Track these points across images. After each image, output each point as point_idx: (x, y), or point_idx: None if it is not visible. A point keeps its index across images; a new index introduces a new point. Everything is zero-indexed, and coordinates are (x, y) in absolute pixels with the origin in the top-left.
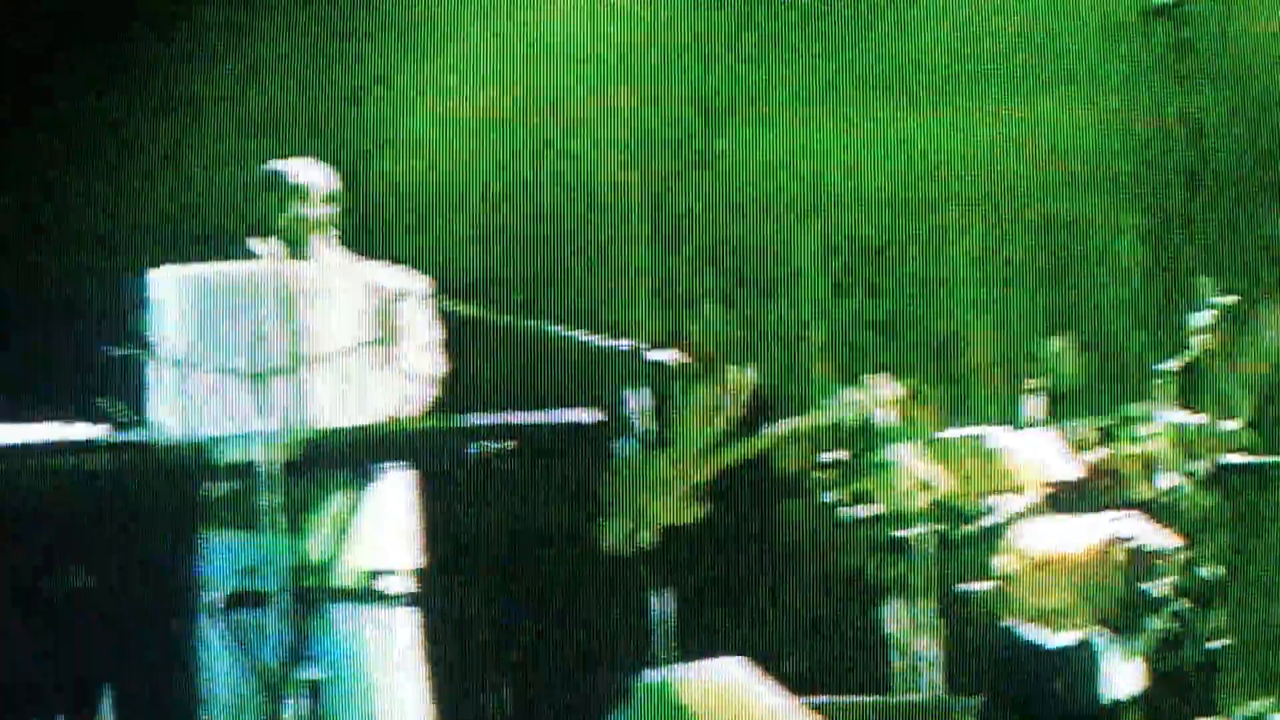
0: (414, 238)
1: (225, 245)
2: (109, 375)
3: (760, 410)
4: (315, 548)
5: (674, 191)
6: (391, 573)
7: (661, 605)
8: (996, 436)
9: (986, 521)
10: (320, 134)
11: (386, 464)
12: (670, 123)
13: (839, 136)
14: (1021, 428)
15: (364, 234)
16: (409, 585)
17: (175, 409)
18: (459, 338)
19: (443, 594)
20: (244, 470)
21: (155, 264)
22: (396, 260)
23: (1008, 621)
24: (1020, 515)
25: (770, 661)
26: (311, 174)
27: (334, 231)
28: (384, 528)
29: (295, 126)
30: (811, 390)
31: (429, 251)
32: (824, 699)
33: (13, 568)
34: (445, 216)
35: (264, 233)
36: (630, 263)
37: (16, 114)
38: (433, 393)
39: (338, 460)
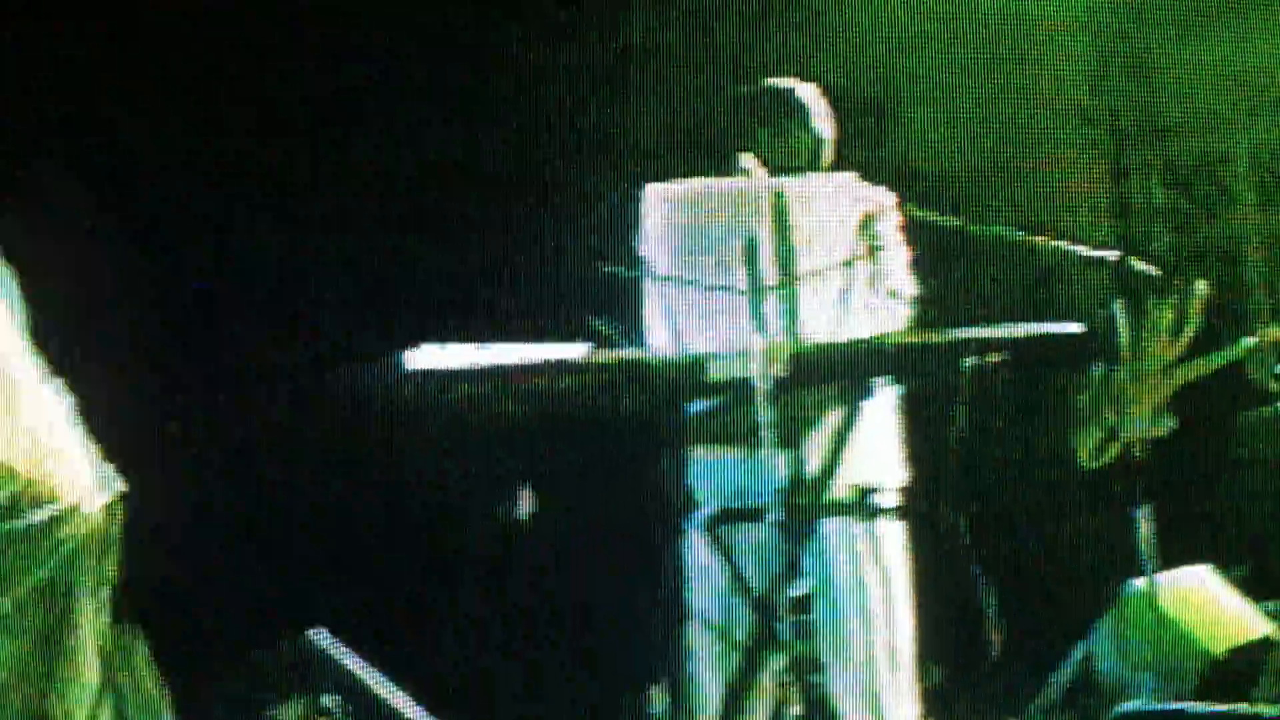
0: (872, 150)
1: (717, 161)
2: (603, 293)
3: (1215, 324)
4: (807, 464)
5: (1118, 104)
6: (881, 488)
7: (1139, 516)
8: None
9: None
10: (789, 51)
11: (876, 379)
12: (1113, 35)
13: (1274, 47)
14: None
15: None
16: (897, 500)
17: (668, 326)
18: (931, 249)
19: (929, 509)
20: (736, 387)
21: (649, 179)
22: (863, 174)
23: None
24: None
25: (1228, 568)
26: (807, 93)
27: (824, 149)
28: (874, 443)
29: (769, 43)
30: (1250, 304)
31: (889, 163)
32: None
33: (484, 490)
34: (899, 127)
35: (756, 148)
36: (1076, 174)
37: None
38: (911, 306)
39: (829, 376)
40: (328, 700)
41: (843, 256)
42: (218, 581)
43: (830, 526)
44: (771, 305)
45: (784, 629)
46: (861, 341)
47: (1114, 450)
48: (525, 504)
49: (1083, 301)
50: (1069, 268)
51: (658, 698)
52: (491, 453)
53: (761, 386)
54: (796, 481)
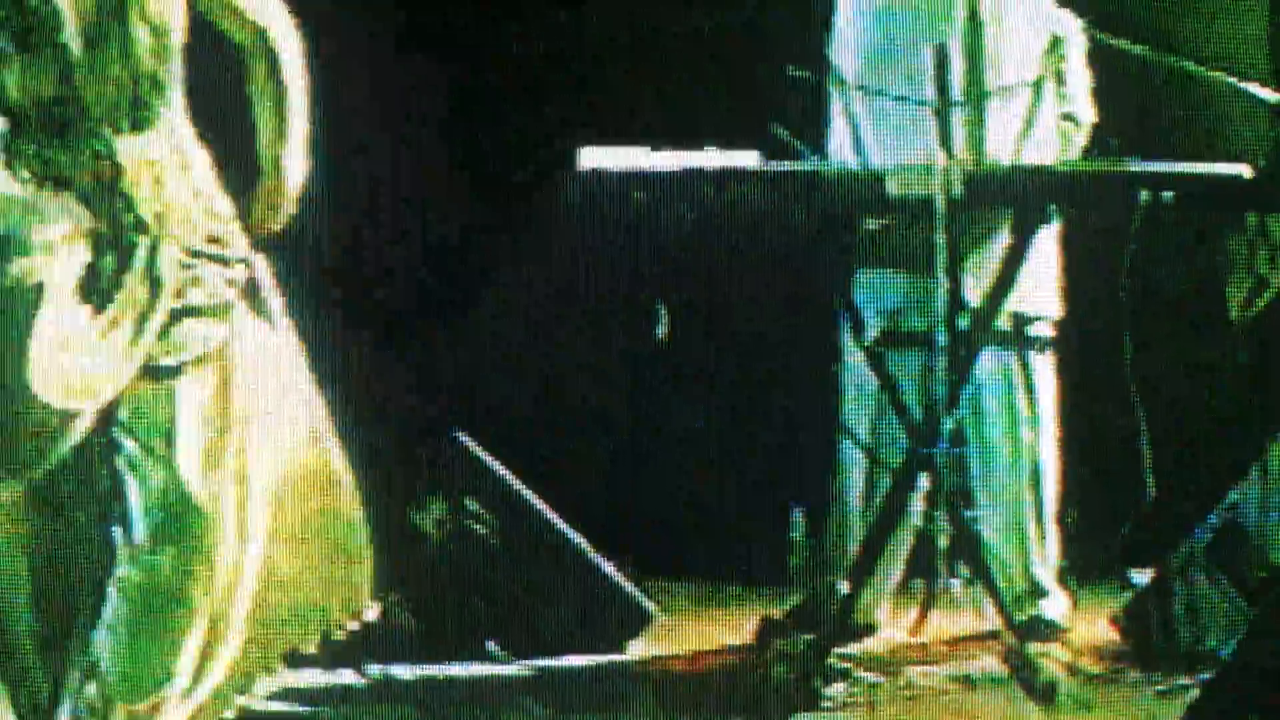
0: None
1: None
2: (787, 98)
3: None
4: (972, 290)
5: None
6: (1040, 319)
7: None
8: None
9: None
10: None
11: (1051, 207)
12: None
13: None
14: None
15: None
16: (1052, 333)
17: (850, 137)
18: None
19: (1082, 344)
20: (913, 205)
21: None
22: None
23: None
24: None
25: None
26: None
27: None
28: (1038, 273)
29: None
30: None
31: None
32: None
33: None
34: None
35: None
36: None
37: None
38: (1087, 137)
39: (1008, 199)
40: (471, 504)
41: (1032, 76)
42: (363, 381)
43: (988, 355)
44: (958, 121)
45: (938, 454)
46: (1042, 167)
47: (1265, 300)
48: (664, 324)
49: (1246, 145)
50: (1236, 108)
51: (799, 519)
52: (647, 263)
53: (935, 206)
54: (962, 307)
